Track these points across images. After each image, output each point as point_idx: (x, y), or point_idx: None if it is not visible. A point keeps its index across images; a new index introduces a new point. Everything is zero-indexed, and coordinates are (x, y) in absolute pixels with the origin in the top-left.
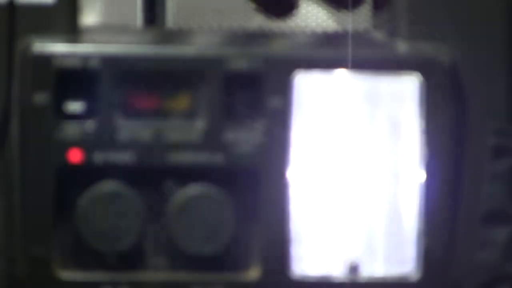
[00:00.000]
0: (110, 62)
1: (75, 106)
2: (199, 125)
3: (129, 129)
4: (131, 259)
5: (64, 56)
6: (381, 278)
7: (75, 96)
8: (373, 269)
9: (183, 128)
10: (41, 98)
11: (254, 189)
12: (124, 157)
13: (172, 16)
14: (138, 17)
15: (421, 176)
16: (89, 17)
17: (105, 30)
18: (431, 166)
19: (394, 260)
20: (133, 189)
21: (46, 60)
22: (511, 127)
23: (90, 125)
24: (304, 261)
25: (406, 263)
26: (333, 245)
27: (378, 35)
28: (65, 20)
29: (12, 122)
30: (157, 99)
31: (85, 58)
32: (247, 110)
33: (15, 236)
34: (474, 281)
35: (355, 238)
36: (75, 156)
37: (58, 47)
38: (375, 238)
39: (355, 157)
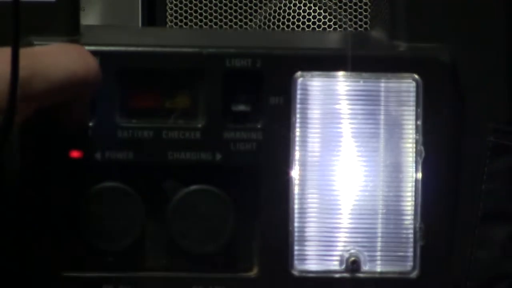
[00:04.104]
0: (110, 61)
1: None
2: (199, 123)
3: (129, 128)
4: (131, 258)
5: None
6: (381, 275)
7: None
8: (372, 266)
9: (183, 127)
10: None
11: (254, 188)
12: (124, 156)
13: (172, 16)
14: (138, 17)
15: (420, 174)
16: (89, 17)
17: (105, 29)
18: (430, 165)
19: (394, 257)
20: (133, 188)
21: None
22: (511, 127)
23: (90, 124)
24: (304, 258)
25: (405, 260)
26: (333, 242)
27: (378, 35)
28: (65, 19)
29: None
30: (157, 98)
31: None
32: (247, 108)
33: (15, 235)
34: (472, 280)
35: (354, 235)
36: (75, 155)
37: None
38: (375, 235)
39: (355, 156)
